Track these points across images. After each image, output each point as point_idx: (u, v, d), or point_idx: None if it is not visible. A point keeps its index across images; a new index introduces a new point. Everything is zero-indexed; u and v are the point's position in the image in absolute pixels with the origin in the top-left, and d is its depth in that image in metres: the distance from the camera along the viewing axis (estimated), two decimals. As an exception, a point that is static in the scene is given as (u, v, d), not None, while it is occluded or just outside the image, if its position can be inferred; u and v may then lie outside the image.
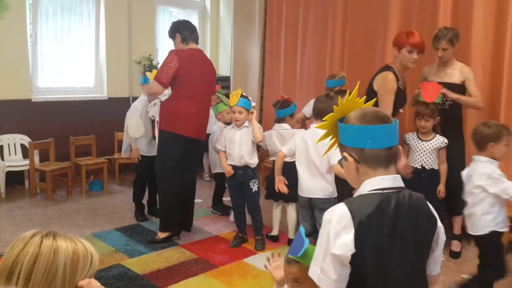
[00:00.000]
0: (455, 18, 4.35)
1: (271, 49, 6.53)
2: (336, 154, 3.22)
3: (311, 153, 3.34)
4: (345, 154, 1.43)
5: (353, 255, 1.30)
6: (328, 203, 3.18)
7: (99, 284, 1.30)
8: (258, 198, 3.98)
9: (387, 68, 3.69)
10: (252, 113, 3.84)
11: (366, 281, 1.34)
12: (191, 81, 3.84)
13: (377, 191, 1.36)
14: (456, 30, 3.83)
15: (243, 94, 3.83)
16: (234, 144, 3.86)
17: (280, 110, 4.12)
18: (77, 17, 5.93)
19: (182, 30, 3.95)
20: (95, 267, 1.31)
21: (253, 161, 3.89)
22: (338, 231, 1.31)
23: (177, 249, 3.87)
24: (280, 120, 4.12)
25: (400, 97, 3.64)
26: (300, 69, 6.07)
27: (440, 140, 3.70)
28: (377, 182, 1.38)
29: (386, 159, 1.39)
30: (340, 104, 1.46)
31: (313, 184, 3.34)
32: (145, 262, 3.60)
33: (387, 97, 3.53)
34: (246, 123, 3.86)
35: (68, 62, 5.97)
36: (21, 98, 5.39)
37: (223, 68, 7.25)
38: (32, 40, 5.53)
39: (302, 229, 1.61)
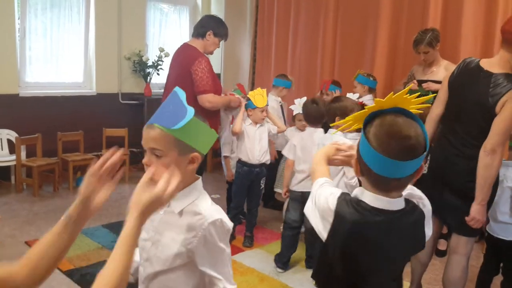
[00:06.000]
0: (445, 15, 4.39)
1: (262, 47, 6.52)
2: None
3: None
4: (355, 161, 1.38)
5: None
6: None
7: None
8: (261, 196, 4.06)
9: None
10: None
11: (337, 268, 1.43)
12: (168, 77, 3.93)
13: (370, 205, 1.34)
14: (436, 32, 3.88)
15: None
16: (255, 141, 3.84)
17: None
18: (66, 12, 5.86)
19: None
20: None
21: (269, 158, 3.95)
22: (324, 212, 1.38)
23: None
24: None
25: None
26: (291, 66, 6.07)
27: None
28: (372, 199, 1.33)
29: (391, 187, 1.31)
30: (379, 101, 1.31)
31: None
32: (132, 259, 3.58)
33: None
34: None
35: (57, 57, 5.90)
36: (9, 93, 5.32)
37: (214, 65, 7.14)
38: (20, 35, 5.46)
39: (179, 91, 1.36)
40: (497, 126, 2.32)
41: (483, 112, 2.38)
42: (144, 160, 1.36)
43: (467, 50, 4.12)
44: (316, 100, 3.53)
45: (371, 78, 4.42)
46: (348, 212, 1.33)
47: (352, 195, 1.39)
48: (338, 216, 1.34)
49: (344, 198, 1.36)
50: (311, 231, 3.44)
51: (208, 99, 3.67)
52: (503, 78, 2.34)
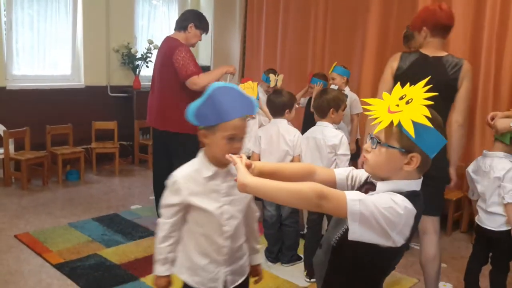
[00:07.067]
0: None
1: (252, 39, 6.50)
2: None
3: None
4: (415, 155, 1.33)
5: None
6: None
7: None
8: None
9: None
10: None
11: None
12: (154, 70, 3.99)
13: (416, 191, 1.38)
14: None
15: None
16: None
17: None
18: (53, 4, 5.80)
19: None
20: None
21: None
22: (406, 224, 1.32)
23: (154, 238, 3.85)
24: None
25: None
26: (281, 60, 6.06)
27: None
28: (417, 184, 1.39)
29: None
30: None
31: None
32: (122, 252, 3.58)
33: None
34: None
35: (44, 50, 5.84)
36: (-5, 86, 5.28)
37: (204, 57, 7.20)
38: (6, 27, 5.40)
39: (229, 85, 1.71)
40: (463, 101, 2.59)
41: (447, 92, 2.53)
42: (238, 145, 1.70)
43: (457, 44, 4.13)
44: (280, 91, 3.49)
45: (347, 69, 4.43)
46: (419, 205, 1.35)
47: (394, 190, 1.35)
48: (418, 214, 1.34)
49: (411, 195, 1.34)
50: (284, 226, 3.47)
51: (193, 82, 3.68)
52: (451, 59, 2.60)
